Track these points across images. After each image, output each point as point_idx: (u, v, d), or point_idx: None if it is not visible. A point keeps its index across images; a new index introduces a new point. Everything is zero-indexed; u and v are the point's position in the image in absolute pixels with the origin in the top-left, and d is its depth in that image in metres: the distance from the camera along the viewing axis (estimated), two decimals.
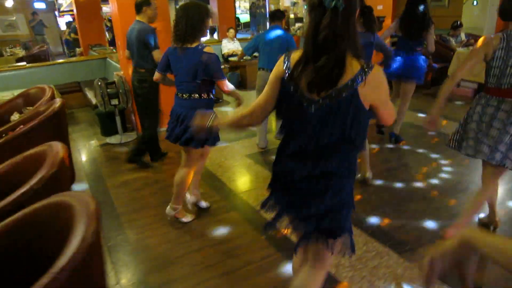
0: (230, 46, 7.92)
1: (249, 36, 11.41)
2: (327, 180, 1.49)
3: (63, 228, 1.42)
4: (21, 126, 3.08)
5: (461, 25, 7.05)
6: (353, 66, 1.35)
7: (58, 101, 3.13)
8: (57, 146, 2.10)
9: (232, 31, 8.02)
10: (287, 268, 2.38)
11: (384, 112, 1.49)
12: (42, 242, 1.52)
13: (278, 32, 4.07)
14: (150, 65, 3.64)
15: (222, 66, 6.71)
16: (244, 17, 17.44)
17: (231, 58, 7.64)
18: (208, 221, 3.01)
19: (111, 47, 8.67)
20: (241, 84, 7.51)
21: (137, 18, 3.65)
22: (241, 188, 3.58)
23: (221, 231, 2.88)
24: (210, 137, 2.74)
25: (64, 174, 2.05)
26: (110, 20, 9.81)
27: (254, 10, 15.00)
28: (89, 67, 6.76)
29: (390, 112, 1.53)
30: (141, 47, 3.62)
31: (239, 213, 3.14)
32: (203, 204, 3.19)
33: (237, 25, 12.66)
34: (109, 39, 9.57)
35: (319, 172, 1.48)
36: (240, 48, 8.02)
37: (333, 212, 1.53)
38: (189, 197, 3.15)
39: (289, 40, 4.05)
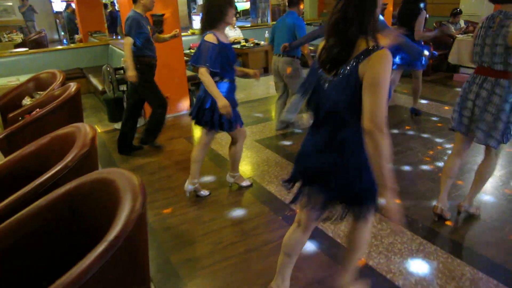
0: (232, 33, 7.91)
1: (248, 24, 11.39)
2: (341, 155, 1.55)
3: (108, 203, 1.47)
4: (37, 109, 3.11)
5: (460, 12, 7.12)
6: (360, 47, 1.42)
7: (73, 85, 3.16)
8: (85, 127, 2.14)
9: (234, 18, 8.01)
10: (307, 246, 2.46)
11: (366, 100, 1.37)
12: (87, 216, 1.57)
13: (286, 19, 4.19)
14: (137, 52, 3.70)
15: None
16: (241, 5, 17.40)
17: (233, 46, 7.63)
18: (224, 203, 3.09)
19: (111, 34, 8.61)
20: None
21: (133, 7, 3.71)
22: (254, 172, 3.64)
23: (238, 212, 2.96)
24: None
25: (94, 154, 2.11)
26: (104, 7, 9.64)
27: None
28: (92, 53, 6.75)
29: (374, 105, 1.36)
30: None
31: (253, 195, 3.21)
32: (203, 193, 3.18)
33: (235, 13, 12.60)
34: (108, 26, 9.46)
35: (333, 147, 1.56)
36: (241, 36, 8.02)
37: (355, 184, 1.62)
38: (189, 186, 3.11)
39: (296, 24, 4.12)
